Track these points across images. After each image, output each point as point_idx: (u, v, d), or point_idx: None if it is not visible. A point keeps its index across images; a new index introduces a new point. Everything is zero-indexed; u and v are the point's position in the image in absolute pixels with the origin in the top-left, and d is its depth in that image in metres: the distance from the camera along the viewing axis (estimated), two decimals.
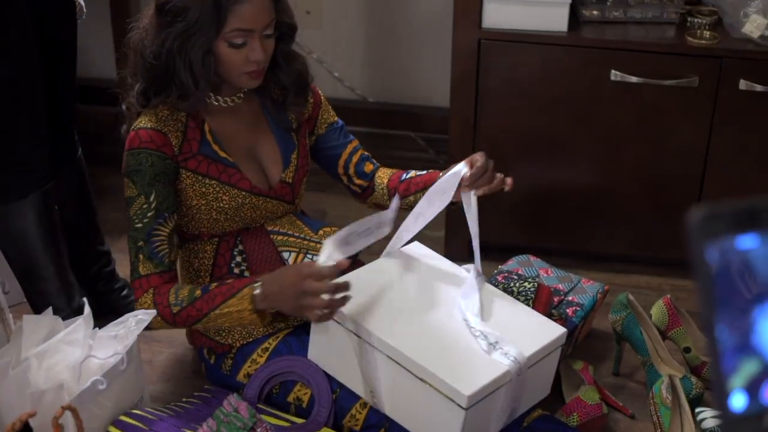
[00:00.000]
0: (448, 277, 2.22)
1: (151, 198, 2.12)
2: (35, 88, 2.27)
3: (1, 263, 2.46)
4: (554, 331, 2.09)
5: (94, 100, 3.28)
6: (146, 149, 2.12)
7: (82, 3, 2.46)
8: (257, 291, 2.04)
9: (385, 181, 2.38)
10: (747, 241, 0.86)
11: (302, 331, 2.24)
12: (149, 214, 2.12)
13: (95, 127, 3.35)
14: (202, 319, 2.09)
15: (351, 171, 2.40)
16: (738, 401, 0.87)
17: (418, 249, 2.31)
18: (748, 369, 0.86)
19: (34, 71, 2.26)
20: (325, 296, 1.97)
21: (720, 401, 0.88)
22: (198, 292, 2.09)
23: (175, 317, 2.10)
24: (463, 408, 1.88)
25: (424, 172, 2.35)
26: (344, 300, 1.99)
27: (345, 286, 1.99)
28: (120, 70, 2.29)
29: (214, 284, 2.11)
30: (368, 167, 2.40)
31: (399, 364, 1.98)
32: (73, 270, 2.50)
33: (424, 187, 2.30)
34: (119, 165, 2.16)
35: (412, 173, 2.37)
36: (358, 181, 2.41)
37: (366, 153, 2.43)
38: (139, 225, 2.12)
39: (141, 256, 2.13)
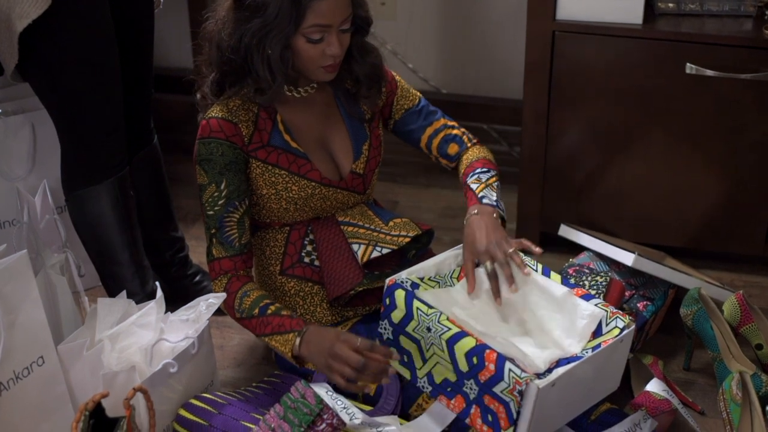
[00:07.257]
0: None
1: (222, 186, 2.17)
2: (113, 75, 2.29)
3: (77, 247, 2.49)
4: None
5: (169, 89, 3.29)
6: (216, 139, 2.16)
7: None
8: (297, 341, 2.07)
9: (461, 172, 2.36)
10: None
11: (371, 319, 2.27)
12: (220, 202, 2.18)
13: (170, 116, 3.38)
14: (254, 334, 2.17)
15: (434, 152, 2.40)
16: None
17: None
18: None
19: (112, 59, 2.28)
20: (349, 370, 1.98)
21: None
22: (256, 311, 2.14)
23: (236, 320, 2.19)
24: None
25: (476, 187, 2.27)
26: (368, 378, 2.01)
27: (371, 366, 2.00)
28: (196, 59, 2.31)
29: (272, 307, 2.13)
30: (452, 149, 2.38)
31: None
32: (147, 255, 2.52)
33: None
34: (192, 153, 2.20)
35: (473, 180, 2.30)
36: (443, 161, 2.42)
37: (452, 133, 2.39)
38: (211, 212, 2.19)
39: (214, 241, 2.20)
